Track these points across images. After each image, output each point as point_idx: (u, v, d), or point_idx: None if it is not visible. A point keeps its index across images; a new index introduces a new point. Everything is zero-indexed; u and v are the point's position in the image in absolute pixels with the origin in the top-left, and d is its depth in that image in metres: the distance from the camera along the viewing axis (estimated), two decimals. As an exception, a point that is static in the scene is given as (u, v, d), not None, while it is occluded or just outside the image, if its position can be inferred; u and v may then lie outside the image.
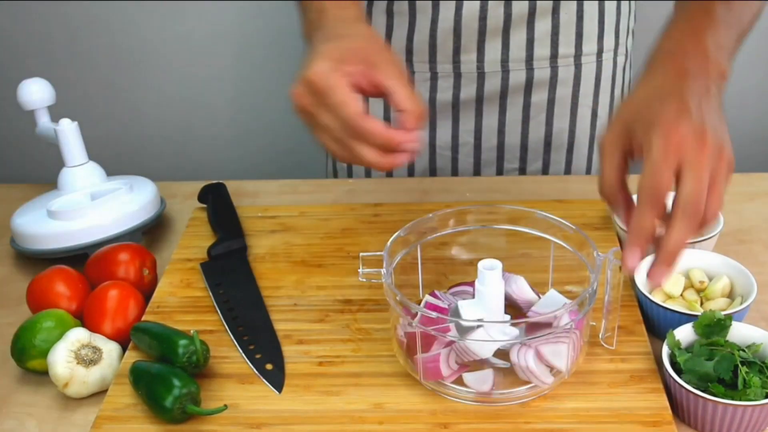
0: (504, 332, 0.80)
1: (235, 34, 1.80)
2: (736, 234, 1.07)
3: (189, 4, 1.77)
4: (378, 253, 0.83)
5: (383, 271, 0.82)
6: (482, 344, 0.79)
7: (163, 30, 1.80)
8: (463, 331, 0.81)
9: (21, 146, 1.86)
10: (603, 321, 0.86)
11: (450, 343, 0.81)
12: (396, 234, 0.88)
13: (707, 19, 0.84)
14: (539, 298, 0.89)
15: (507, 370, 0.82)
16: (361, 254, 0.83)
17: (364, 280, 0.82)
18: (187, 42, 1.81)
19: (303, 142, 1.88)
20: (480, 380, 0.82)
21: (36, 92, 1.13)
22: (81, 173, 1.11)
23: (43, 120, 1.15)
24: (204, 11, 1.78)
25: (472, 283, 0.88)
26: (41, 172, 1.84)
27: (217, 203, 1.12)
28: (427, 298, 0.89)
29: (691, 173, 0.75)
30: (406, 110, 0.82)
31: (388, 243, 0.86)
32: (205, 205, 1.13)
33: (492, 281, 0.83)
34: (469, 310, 0.84)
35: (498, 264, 0.83)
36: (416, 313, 0.82)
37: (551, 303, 0.87)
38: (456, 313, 0.85)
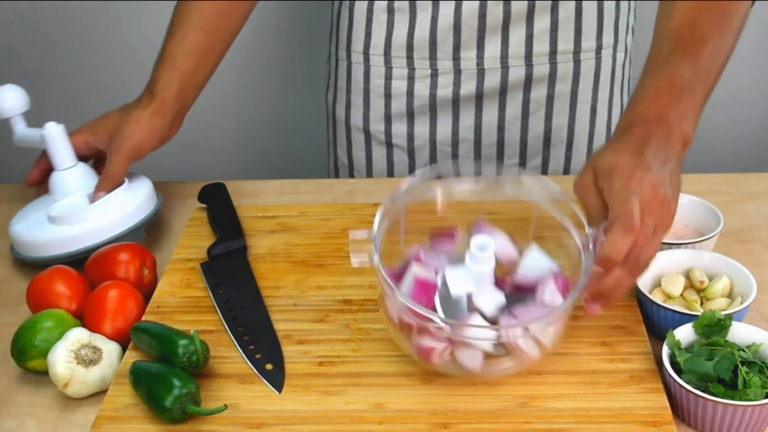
0: (492, 302, 0.83)
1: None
2: (736, 234, 1.07)
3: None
4: (366, 233, 0.83)
5: (374, 255, 0.82)
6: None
7: (163, 29, 1.80)
8: (453, 304, 0.82)
9: (21, 146, 1.86)
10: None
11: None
12: (381, 208, 0.86)
13: (671, 90, 0.89)
14: (519, 254, 0.89)
15: (495, 346, 0.83)
16: (351, 235, 0.83)
17: (357, 266, 0.82)
18: (187, 42, 1.81)
19: (303, 142, 1.88)
20: (470, 357, 0.82)
21: (10, 99, 1.10)
22: (72, 176, 1.09)
23: (20, 127, 1.12)
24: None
25: (452, 234, 0.90)
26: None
27: (217, 203, 1.12)
28: (414, 269, 0.86)
29: (647, 213, 0.81)
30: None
31: (375, 223, 0.85)
32: (205, 205, 1.13)
33: (484, 261, 0.83)
34: (457, 279, 0.84)
35: (490, 243, 0.83)
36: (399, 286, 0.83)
37: (533, 263, 0.87)
38: (444, 284, 0.84)
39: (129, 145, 1.08)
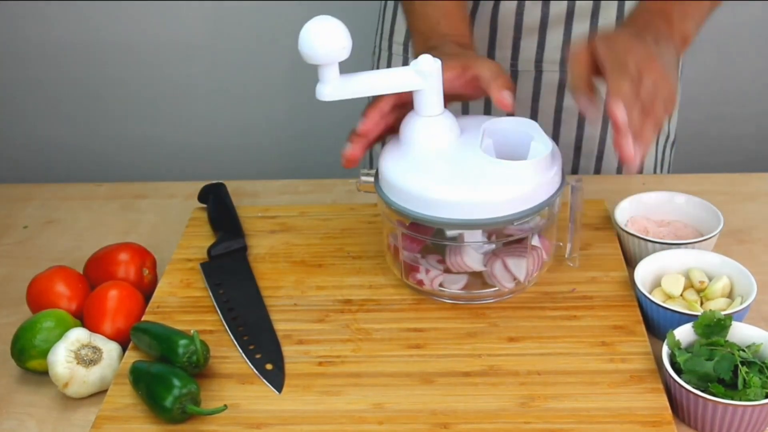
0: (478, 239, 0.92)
1: (235, 34, 1.80)
2: (736, 234, 1.07)
3: (190, 4, 1.77)
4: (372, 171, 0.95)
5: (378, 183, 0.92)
6: (471, 256, 0.91)
7: (163, 29, 1.81)
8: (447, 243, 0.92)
9: (21, 146, 1.86)
10: (569, 243, 0.95)
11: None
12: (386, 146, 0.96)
13: None
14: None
15: (477, 275, 0.93)
16: (361, 171, 0.95)
17: (362, 192, 0.95)
18: (186, 41, 1.82)
19: (304, 142, 1.89)
20: (454, 281, 0.93)
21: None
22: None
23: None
24: (205, 11, 1.78)
25: None
26: (42, 172, 1.85)
27: (217, 203, 1.12)
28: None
29: (645, 73, 0.83)
30: (501, 91, 0.91)
31: (381, 156, 0.93)
32: (205, 205, 1.13)
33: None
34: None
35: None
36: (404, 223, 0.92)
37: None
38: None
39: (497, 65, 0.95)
